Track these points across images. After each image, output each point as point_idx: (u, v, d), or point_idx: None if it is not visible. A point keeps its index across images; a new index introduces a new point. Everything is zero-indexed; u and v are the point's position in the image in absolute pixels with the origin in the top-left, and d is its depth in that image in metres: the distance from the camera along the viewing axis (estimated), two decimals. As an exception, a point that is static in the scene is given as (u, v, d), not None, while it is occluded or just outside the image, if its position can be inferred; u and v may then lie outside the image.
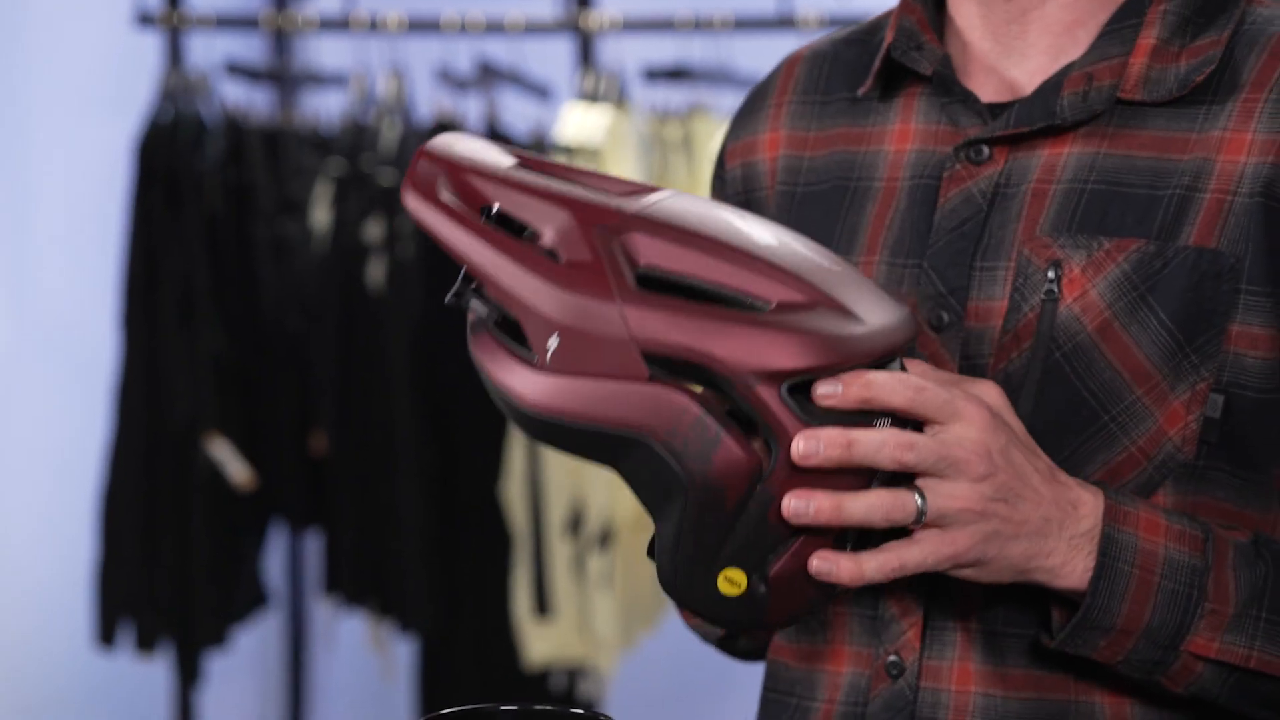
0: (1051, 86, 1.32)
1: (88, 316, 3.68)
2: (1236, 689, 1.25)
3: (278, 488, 3.49)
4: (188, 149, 3.40)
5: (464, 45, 3.53)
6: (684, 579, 1.14)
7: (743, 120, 1.46)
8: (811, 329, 1.11)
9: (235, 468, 3.43)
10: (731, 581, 1.14)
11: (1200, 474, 1.26)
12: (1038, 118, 1.31)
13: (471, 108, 3.52)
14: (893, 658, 1.29)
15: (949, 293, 1.29)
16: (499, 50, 3.52)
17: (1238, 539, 1.26)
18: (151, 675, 3.68)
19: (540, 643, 3.36)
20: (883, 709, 1.30)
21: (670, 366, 1.11)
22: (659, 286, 1.13)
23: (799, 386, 1.12)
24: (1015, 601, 1.27)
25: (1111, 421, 1.24)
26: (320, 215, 3.43)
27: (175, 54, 3.51)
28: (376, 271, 3.39)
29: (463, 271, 1.17)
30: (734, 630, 1.19)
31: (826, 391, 1.13)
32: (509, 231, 1.15)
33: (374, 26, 3.47)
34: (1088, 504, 1.22)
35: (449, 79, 3.48)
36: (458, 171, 1.17)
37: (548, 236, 1.14)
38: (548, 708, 1.19)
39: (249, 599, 3.53)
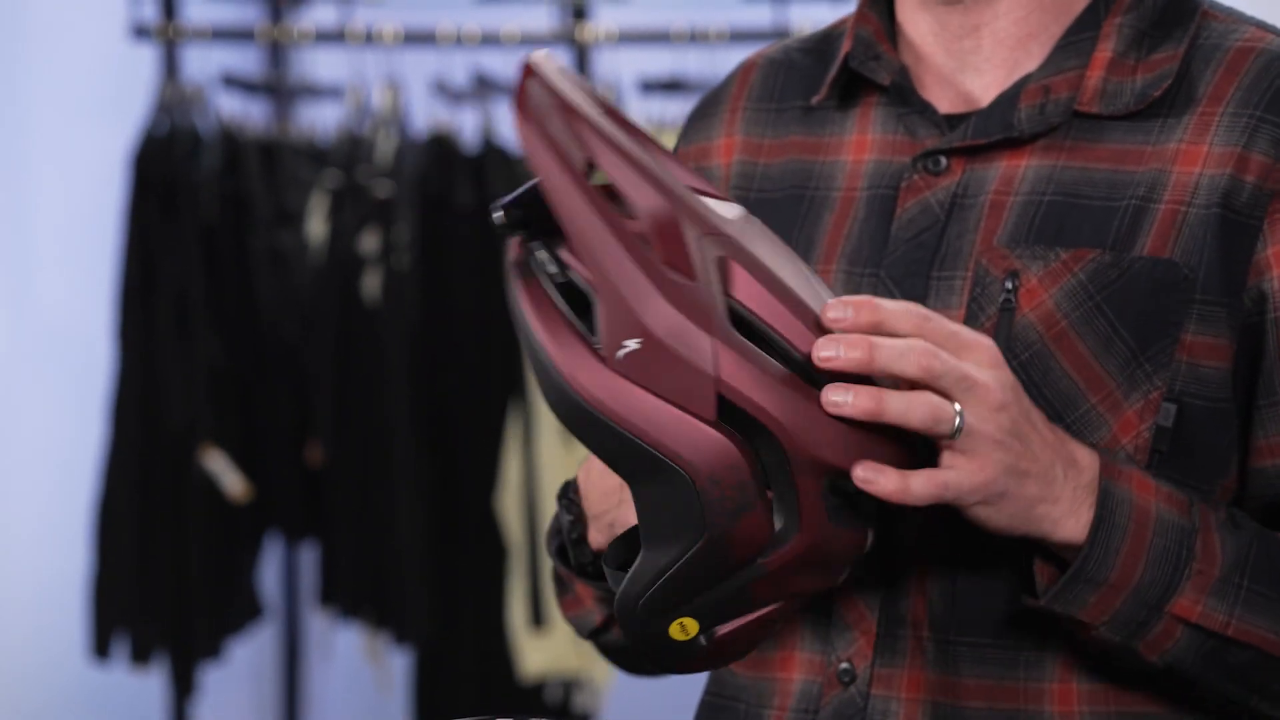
0: (1008, 99, 1.32)
1: (84, 327, 3.68)
2: (1209, 658, 1.25)
3: (274, 499, 3.49)
4: (184, 160, 3.40)
5: (460, 57, 3.53)
6: (644, 612, 1.12)
7: (696, 125, 1.46)
8: (873, 432, 1.11)
9: (231, 479, 3.43)
10: (683, 628, 1.12)
11: None
12: (995, 130, 1.31)
13: (467, 120, 3.52)
14: (844, 665, 1.29)
15: None
16: (495, 62, 3.53)
17: (1215, 510, 1.27)
18: (147, 687, 3.68)
19: (536, 654, 3.36)
20: (833, 716, 1.30)
21: (734, 416, 1.08)
22: (743, 327, 1.10)
23: (837, 482, 1.11)
24: (970, 606, 1.28)
25: (1067, 429, 1.25)
26: (316, 226, 3.43)
27: (171, 66, 3.51)
28: (372, 283, 3.39)
29: (523, 191, 1.11)
30: (653, 664, 1.17)
31: (836, 315, 1.12)
32: (611, 201, 1.08)
33: (370, 39, 3.48)
34: (1085, 458, 1.22)
35: (445, 91, 3.48)
36: (569, 113, 1.09)
37: (642, 220, 1.08)
38: (542, 720, 1.20)
39: (245, 611, 3.52)
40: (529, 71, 1.10)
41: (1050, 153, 1.31)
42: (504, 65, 3.52)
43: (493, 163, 3.42)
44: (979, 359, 1.16)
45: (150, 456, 3.40)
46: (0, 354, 3.71)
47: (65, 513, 3.66)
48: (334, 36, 3.53)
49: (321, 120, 3.66)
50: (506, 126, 3.51)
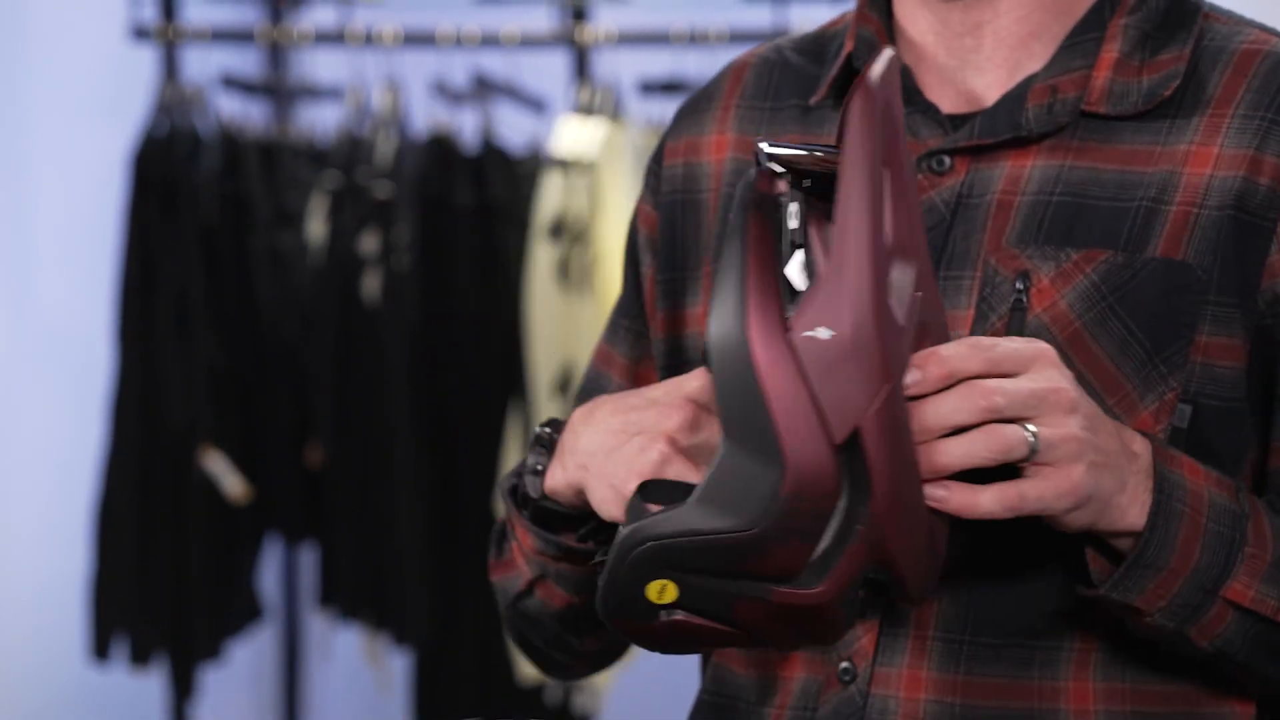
0: (1014, 98, 1.32)
1: (84, 327, 3.68)
2: (1258, 641, 1.25)
3: (273, 500, 3.49)
4: (183, 161, 3.40)
5: (459, 58, 3.53)
6: (647, 554, 1.09)
7: (685, 121, 1.46)
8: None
9: (230, 481, 3.43)
10: (661, 591, 1.10)
11: None
12: (1003, 129, 1.31)
13: (467, 121, 3.52)
14: (845, 664, 1.29)
15: None
16: (495, 63, 3.53)
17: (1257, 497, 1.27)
18: (146, 689, 3.68)
19: (536, 656, 3.36)
20: (831, 714, 1.30)
21: (852, 456, 1.08)
22: None
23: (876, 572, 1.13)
24: (985, 606, 1.28)
25: None
26: (316, 227, 3.43)
27: (171, 67, 3.51)
28: (372, 284, 3.39)
29: (800, 150, 1.11)
30: (605, 605, 1.13)
31: (912, 381, 1.12)
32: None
33: (369, 40, 3.48)
34: (1139, 442, 1.22)
35: (445, 92, 3.48)
36: (896, 123, 1.12)
37: (891, 251, 1.10)
38: (541, 721, 1.20)
39: (244, 612, 3.52)
40: (889, 61, 1.12)
41: (1057, 153, 1.31)
42: (504, 66, 3.52)
43: (492, 163, 3.42)
44: (1041, 369, 1.16)
45: (150, 457, 3.40)
46: (0, 354, 3.71)
47: (65, 513, 3.66)
48: (334, 37, 3.53)
49: (321, 121, 3.66)
50: (506, 127, 3.51)
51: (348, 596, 3.45)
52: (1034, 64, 1.34)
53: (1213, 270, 1.27)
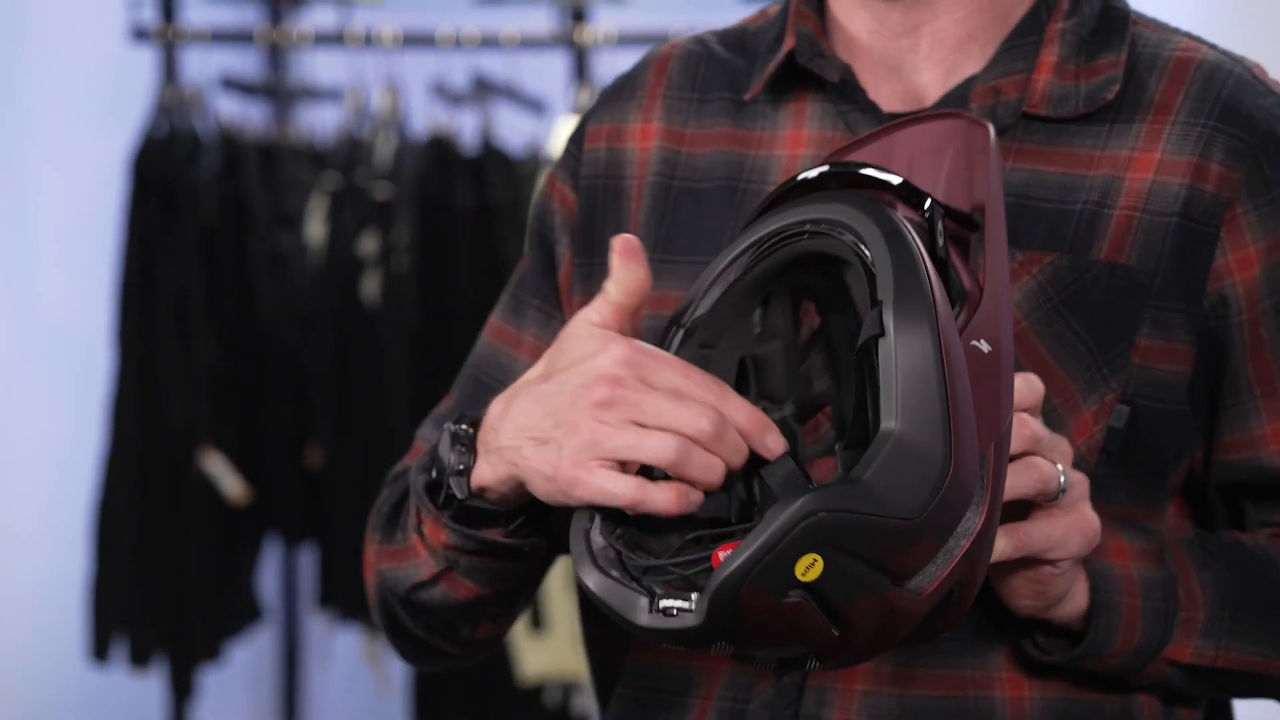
0: (956, 99, 1.34)
1: (83, 329, 3.68)
2: (1198, 679, 1.31)
3: (273, 502, 3.49)
4: (183, 163, 3.40)
5: (459, 60, 3.53)
6: (826, 522, 1.06)
7: (608, 106, 1.45)
8: None
9: (230, 482, 3.42)
10: (808, 568, 1.07)
11: (1100, 482, 1.28)
12: None
13: (467, 122, 3.52)
14: (814, 664, 1.29)
15: None
16: (494, 65, 3.53)
17: (1183, 537, 1.31)
18: (145, 690, 3.68)
19: (535, 658, 3.36)
20: (764, 706, 1.30)
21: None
22: None
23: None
24: None
25: None
26: (315, 229, 3.43)
27: (170, 69, 3.51)
28: (371, 285, 3.39)
29: (928, 197, 1.16)
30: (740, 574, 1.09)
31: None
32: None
33: (369, 41, 3.48)
34: None
35: (444, 93, 3.48)
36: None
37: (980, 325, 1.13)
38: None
39: (244, 613, 3.52)
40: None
41: (1000, 154, 1.31)
42: (504, 68, 3.53)
43: (492, 165, 3.42)
44: (1037, 413, 1.19)
45: (149, 458, 3.40)
46: (0, 354, 3.71)
47: (64, 514, 3.66)
48: (333, 39, 3.53)
49: (321, 122, 3.66)
50: (505, 128, 3.52)
51: (347, 598, 3.44)
52: (971, 65, 1.36)
53: (1155, 274, 1.30)
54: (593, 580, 1.13)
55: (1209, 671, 1.30)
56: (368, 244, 3.39)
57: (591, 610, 1.40)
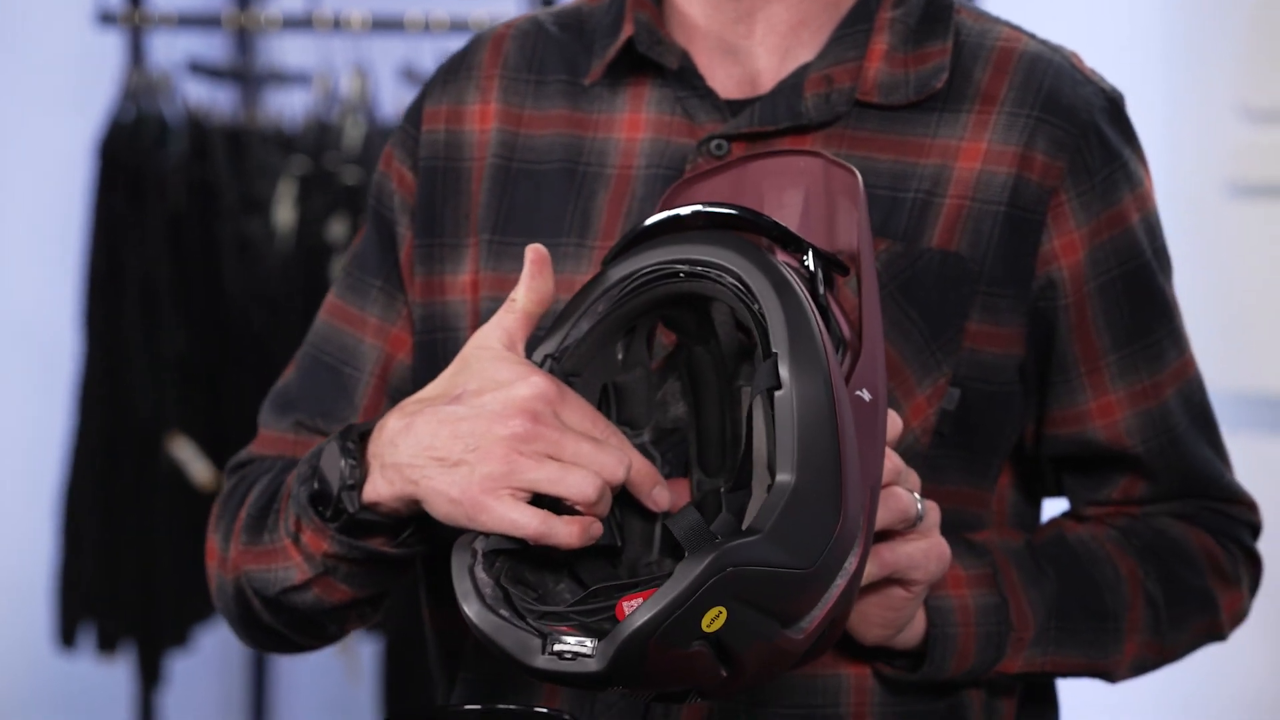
0: (791, 86, 1.36)
1: (49, 315, 3.66)
2: (1030, 678, 1.39)
3: (241, 488, 3.48)
4: (150, 148, 3.39)
5: (428, 44, 3.52)
6: (729, 579, 1.09)
7: (444, 87, 1.46)
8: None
9: (198, 468, 3.41)
10: (713, 620, 1.09)
11: (932, 463, 1.33)
12: (783, 117, 1.35)
13: (436, 107, 3.51)
14: (695, 698, 1.30)
15: None
16: (463, 49, 3.52)
17: (1012, 547, 1.36)
18: (113, 676, 3.67)
19: (505, 643, 3.35)
20: (615, 712, 1.33)
21: None
22: None
23: None
24: None
25: None
26: (284, 214, 3.42)
27: (137, 53, 3.50)
28: (340, 270, 3.38)
29: (809, 246, 1.19)
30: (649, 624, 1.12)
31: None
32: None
33: (338, 25, 3.46)
34: None
35: (413, 77, 3.47)
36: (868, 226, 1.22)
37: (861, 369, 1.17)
38: (510, 707, 1.18)
39: (212, 600, 3.51)
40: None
41: (833, 141, 1.35)
42: (472, 52, 3.52)
43: (461, 150, 3.42)
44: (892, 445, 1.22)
45: (116, 445, 3.38)
46: (-35, 342, 3.69)
47: (30, 501, 3.64)
48: (301, 23, 3.52)
49: (289, 107, 3.65)
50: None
51: (316, 584, 3.44)
52: (804, 52, 1.38)
53: (984, 262, 1.34)
54: (483, 621, 1.13)
55: (1036, 674, 1.37)
56: (337, 229, 3.38)
57: (437, 590, 1.40)
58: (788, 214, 1.23)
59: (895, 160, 1.35)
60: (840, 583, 1.12)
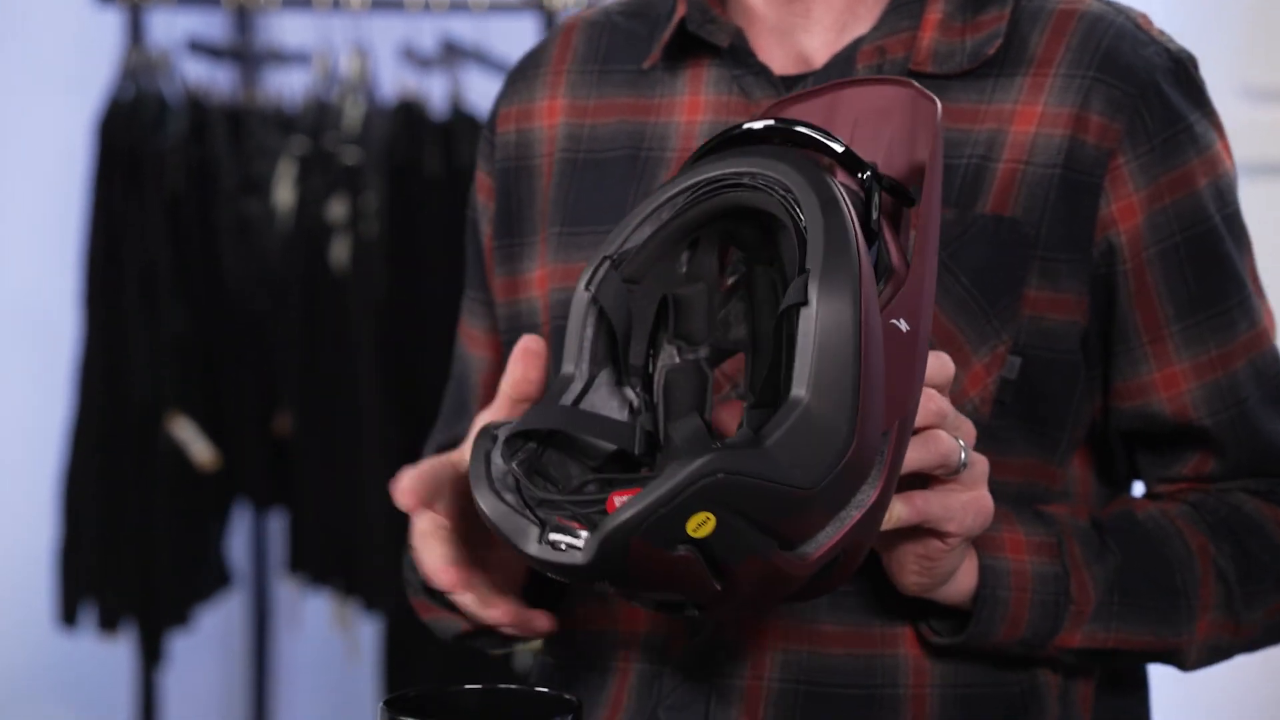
0: (844, 59, 1.36)
1: (49, 296, 3.66)
2: (1091, 659, 1.34)
3: (241, 467, 3.48)
4: (149, 127, 3.38)
5: (428, 24, 3.51)
6: (717, 485, 1.06)
7: (516, 87, 1.46)
8: None
9: (198, 448, 3.42)
10: (699, 525, 1.07)
11: (994, 434, 1.31)
12: None
13: (435, 86, 3.51)
14: (693, 613, 1.30)
15: None
16: (463, 29, 3.51)
17: (1079, 524, 1.32)
18: (114, 655, 3.67)
19: (505, 622, 3.36)
20: (680, 666, 1.32)
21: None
22: None
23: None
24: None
25: None
26: (283, 194, 3.42)
27: (136, 32, 3.49)
28: (340, 250, 3.38)
29: (868, 166, 1.15)
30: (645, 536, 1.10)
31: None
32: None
33: (337, 4, 3.46)
34: None
35: (413, 57, 3.46)
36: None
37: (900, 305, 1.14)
38: (512, 687, 1.18)
39: (212, 579, 3.52)
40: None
41: (942, 132, 1.34)
42: (473, 31, 3.51)
43: (461, 130, 3.41)
44: (947, 393, 1.20)
45: (116, 425, 3.39)
46: (-35, 321, 3.69)
47: (32, 482, 3.64)
48: (301, 2, 3.51)
49: (288, 87, 3.64)
50: (474, 93, 3.50)
51: (316, 563, 3.44)
52: (860, 26, 1.37)
53: (1040, 226, 1.31)
54: (487, 504, 1.13)
55: (1101, 652, 1.32)
56: (336, 209, 3.38)
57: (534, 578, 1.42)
58: (875, 143, 1.21)
59: (949, 128, 1.33)
60: (854, 514, 1.10)
